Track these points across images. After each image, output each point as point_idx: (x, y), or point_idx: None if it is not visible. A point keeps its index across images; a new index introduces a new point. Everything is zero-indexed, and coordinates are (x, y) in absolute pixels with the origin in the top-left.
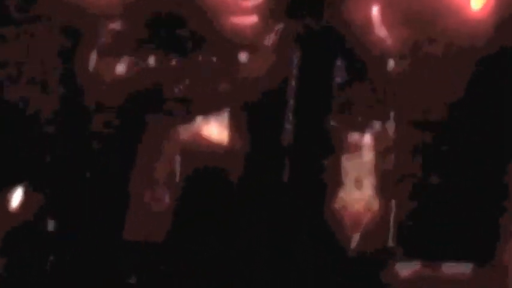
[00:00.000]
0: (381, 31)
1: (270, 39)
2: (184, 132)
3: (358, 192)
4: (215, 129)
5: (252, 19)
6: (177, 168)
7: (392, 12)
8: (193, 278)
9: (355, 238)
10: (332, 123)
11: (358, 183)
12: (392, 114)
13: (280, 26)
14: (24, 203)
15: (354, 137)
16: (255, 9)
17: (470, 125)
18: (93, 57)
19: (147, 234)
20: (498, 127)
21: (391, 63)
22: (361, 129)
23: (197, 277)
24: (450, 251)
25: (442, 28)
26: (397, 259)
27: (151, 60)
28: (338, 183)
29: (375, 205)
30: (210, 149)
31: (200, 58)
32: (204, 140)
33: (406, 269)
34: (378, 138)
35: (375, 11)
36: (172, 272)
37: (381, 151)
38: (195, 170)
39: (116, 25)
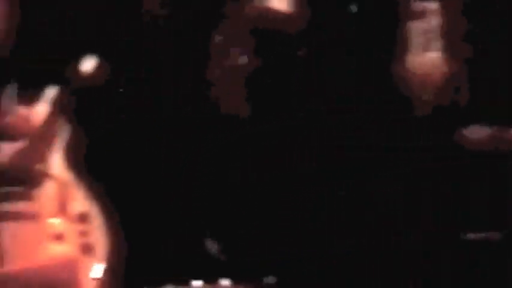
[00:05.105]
0: None
1: None
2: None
3: (426, 54)
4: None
5: None
6: None
7: None
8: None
9: (425, 98)
10: None
11: (426, 47)
12: None
13: None
14: None
15: (419, 5)
16: None
17: None
18: None
19: None
20: None
21: None
22: None
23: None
24: None
25: None
26: (467, 121)
27: None
28: (405, 47)
29: (444, 66)
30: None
31: None
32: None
33: (477, 132)
34: (444, 5)
35: None
36: None
37: (448, 15)
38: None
39: None
